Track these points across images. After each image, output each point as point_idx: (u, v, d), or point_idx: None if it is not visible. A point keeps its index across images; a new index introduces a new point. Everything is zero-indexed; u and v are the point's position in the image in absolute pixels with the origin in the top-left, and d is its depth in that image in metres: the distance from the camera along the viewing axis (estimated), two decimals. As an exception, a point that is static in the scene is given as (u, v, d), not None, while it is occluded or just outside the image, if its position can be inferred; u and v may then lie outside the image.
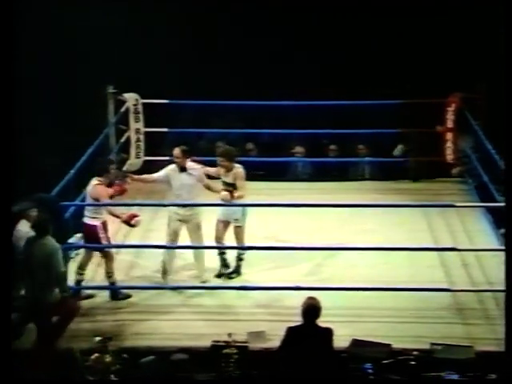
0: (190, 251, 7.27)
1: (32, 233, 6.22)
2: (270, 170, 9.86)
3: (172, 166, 7.16)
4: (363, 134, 9.77)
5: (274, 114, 9.65)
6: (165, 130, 9.53)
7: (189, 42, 9.97)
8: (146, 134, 9.42)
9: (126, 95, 9.28)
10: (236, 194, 7.03)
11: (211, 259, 7.25)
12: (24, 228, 6.69)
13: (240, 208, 7.12)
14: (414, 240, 7.58)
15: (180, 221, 7.14)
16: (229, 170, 7.13)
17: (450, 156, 9.43)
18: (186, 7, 9.89)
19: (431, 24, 9.77)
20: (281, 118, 9.74)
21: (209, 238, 7.20)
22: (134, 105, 9.31)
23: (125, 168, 9.17)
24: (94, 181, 6.96)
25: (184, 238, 7.23)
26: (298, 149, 9.92)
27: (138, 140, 9.39)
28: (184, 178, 7.09)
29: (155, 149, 9.55)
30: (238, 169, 7.16)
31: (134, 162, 9.30)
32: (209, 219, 7.25)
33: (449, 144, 9.41)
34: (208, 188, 7.22)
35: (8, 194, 4.87)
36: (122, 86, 9.20)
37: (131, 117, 9.34)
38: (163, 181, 7.18)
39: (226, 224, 7.23)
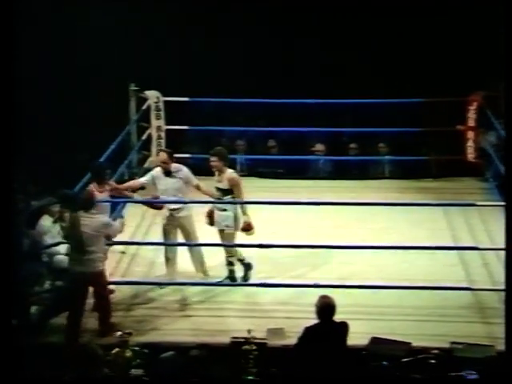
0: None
1: (55, 228, 6.31)
2: (290, 168, 9.87)
3: (157, 169, 7.11)
4: (384, 133, 9.75)
5: (295, 111, 9.64)
6: (186, 127, 9.56)
7: (211, 41, 9.99)
8: (167, 131, 9.46)
9: (148, 93, 9.33)
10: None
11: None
12: (47, 223, 6.76)
13: (231, 214, 6.93)
14: (435, 239, 7.55)
15: (170, 224, 7.05)
16: (220, 172, 6.93)
17: (471, 155, 9.38)
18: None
19: (456, 22, 9.69)
20: (302, 116, 9.72)
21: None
22: (156, 102, 9.35)
23: (146, 165, 9.22)
24: (91, 185, 6.93)
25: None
26: (319, 147, 9.91)
27: (159, 137, 9.43)
28: (169, 181, 7.01)
29: (176, 146, 9.57)
30: (232, 174, 6.95)
31: (155, 159, 9.33)
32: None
33: (470, 143, 9.36)
34: (199, 189, 7.09)
35: (8, 193, 4.90)
36: (143, 83, 9.25)
37: (152, 114, 9.38)
38: (151, 184, 7.14)
39: (220, 232, 7.03)
